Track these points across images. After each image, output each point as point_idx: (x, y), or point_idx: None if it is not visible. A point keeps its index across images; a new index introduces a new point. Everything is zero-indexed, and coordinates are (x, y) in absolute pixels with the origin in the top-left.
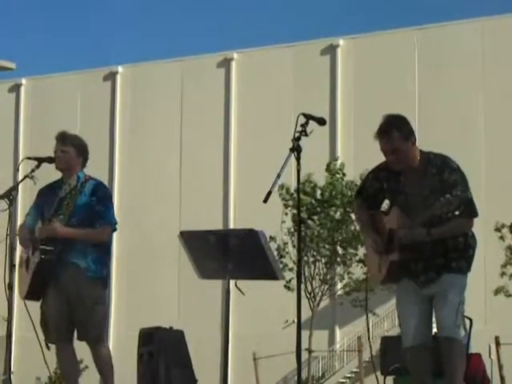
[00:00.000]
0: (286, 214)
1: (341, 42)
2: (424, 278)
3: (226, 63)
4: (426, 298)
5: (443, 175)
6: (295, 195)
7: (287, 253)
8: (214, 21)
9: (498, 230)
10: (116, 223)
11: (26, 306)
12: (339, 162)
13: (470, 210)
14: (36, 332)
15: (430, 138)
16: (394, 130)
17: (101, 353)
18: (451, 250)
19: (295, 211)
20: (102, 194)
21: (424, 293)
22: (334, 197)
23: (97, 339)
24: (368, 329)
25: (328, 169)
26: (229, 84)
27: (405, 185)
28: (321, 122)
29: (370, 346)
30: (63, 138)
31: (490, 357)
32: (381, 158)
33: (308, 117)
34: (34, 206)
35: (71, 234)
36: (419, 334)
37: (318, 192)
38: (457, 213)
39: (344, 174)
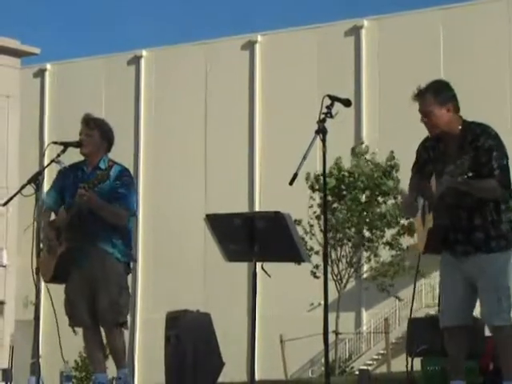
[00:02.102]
0: (314, 198)
1: (365, 22)
2: (462, 249)
3: (250, 46)
4: (467, 278)
5: (479, 141)
6: (321, 178)
7: (313, 235)
8: (237, 3)
9: None
10: (135, 211)
11: (48, 292)
12: (364, 145)
13: (502, 178)
14: (56, 319)
15: None
16: (429, 92)
17: (118, 336)
18: (490, 225)
19: (321, 194)
20: (126, 179)
21: (464, 269)
22: (357, 179)
23: (119, 324)
24: (413, 296)
25: (353, 152)
26: (253, 66)
27: (444, 153)
28: (346, 103)
29: (411, 311)
30: (88, 122)
31: None
32: (406, 139)
33: (333, 98)
34: (53, 186)
35: (101, 206)
36: (457, 314)
37: (344, 175)
38: (470, 174)
39: (368, 159)
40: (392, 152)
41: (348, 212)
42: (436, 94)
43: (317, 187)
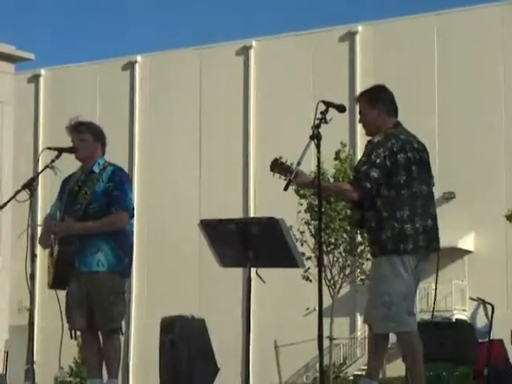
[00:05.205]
0: (301, 204)
1: (359, 28)
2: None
3: (244, 51)
4: None
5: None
6: None
7: (305, 241)
8: (232, 9)
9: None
10: (133, 209)
11: (57, 296)
12: (347, 149)
13: (354, 182)
14: (62, 324)
15: (449, 123)
16: (363, 93)
17: (113, 343)
18: (372, 230)
19: (310, 200)
20: (119, 179)
21: None
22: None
23: (113, 330)
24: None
25: (337, 157)
26: (247, 72)
27: None
28: (340, 109)
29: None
30: (77, 127)
31: None
32: None
33: (328, 104)
34: (58, 196)
35: (86, 230)
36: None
37: (331, 180)
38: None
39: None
40: None
41: (337, 216)
42: (368, 94)
43: (303, 191)
